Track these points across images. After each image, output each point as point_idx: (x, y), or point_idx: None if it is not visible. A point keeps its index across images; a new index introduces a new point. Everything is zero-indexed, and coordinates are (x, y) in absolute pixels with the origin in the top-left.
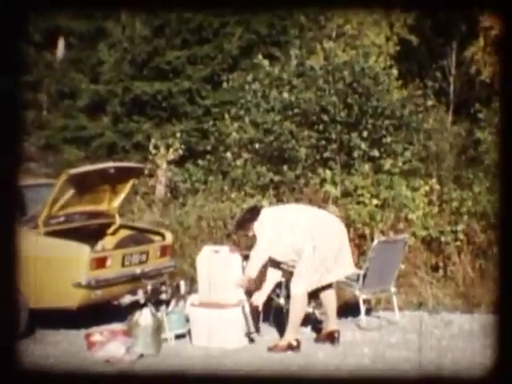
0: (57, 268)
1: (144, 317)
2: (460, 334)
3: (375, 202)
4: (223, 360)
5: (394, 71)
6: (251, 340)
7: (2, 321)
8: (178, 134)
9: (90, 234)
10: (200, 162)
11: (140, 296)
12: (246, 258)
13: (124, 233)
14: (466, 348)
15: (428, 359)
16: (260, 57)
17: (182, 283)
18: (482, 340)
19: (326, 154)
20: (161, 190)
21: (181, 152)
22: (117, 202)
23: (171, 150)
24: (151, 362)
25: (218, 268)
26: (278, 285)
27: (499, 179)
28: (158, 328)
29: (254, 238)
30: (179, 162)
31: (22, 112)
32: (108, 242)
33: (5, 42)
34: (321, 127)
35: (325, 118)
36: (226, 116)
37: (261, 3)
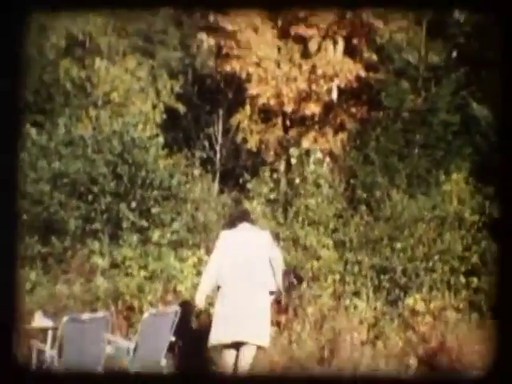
0: None
1: None
2: None
3: (143, 273)
4: None
5: (161, 140)
6: None
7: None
8: None
9: None
10: None
11: None
12: None
13: None
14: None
15: None
16: (27, 125)
17: None
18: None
19: (95, 225)
20: None
21: None
22: None
23: None
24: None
25: None
26: None
27: None
28: None
29: None
30: None
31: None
32: None
33: (5, 42)
34: (90, 198)
35: (94, 188)
36: None
37: None
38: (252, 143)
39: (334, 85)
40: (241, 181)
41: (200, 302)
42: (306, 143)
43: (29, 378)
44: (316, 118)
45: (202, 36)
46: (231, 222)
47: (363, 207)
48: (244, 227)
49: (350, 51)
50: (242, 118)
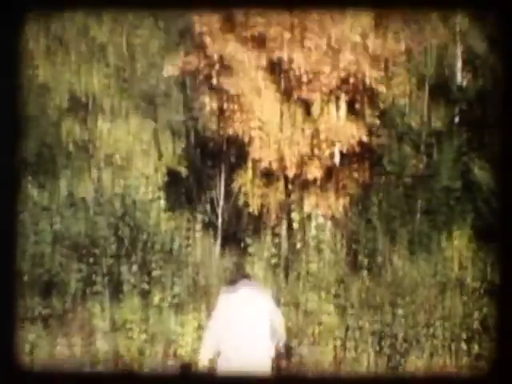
0: None
1: None
2: None
3: (144, 336)
4: None
5: (163, 202)
6: None
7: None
8: None
9: None
10: None
11: None
12: None
13: None
14: None
15: None
16: (29, 186)
17: None
18: None
19: (96, 287)
20: None
21: None
22: None
23: None
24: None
25: None
26: None
27: None
28: None
29: None
30: None
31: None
32: None
33: (5, 42)
34: (91, 260)
35: (95, 250)
36: None
37: None
38: (254, 207)
39: (337, 149)
40: (242, 245)
41: (203, 367)
42: (307, 207)
43: (29, 379)
44: (318, 183)
45: (205, 98)
46: (232, 285)
47: (365, 272)
48: (244, 288)
49: (353, 115)
50: (244, 181)
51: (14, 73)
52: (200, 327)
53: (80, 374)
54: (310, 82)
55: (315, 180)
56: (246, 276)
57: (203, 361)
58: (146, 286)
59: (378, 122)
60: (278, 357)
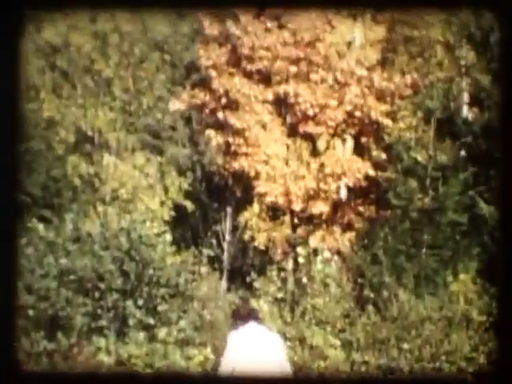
0: None
1: None
2: None
3: (149, 371)
4: None
5: (168, 237)
6: None
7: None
8: None
9: None
10: None
11: None
12: None
13: None
14: None
15: None
16: (34, 220)
17: None
18: None
19: (102, 322)
20: None
21: None
22: None
23: None
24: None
25: None
26: None
27: None
28: None
29: None
30: None
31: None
32: None
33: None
34: (97, 295)
35: (101, 285)
36: None
37: None
38: (260, 241)
39: (343, 183)
40: (248, 279)
41: None
42: (313, 242)
43: (29, 379)
44: (324, 217)
45: (211, 133)
46: (238, 321)
47: (370, 307)
48: (252, 328)
49: (359, 150)
50: (250, 215)
51: (13, 73)
52: (206, 362)
53: (80, 374)
54: (315, 116)
55: (321, 214)
56: (253, 312)
57: None
58: (151, 321)
59: (383, 156)
60: None
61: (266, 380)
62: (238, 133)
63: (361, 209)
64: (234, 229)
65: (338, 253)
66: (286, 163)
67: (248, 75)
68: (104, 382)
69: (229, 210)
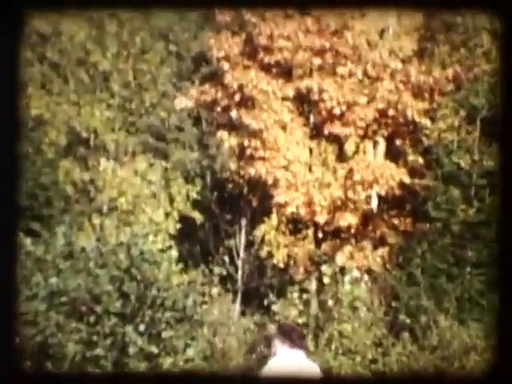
0: None
1: None
2: None
3: None
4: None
5: (174, 253)
6: None
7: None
8: None
9: None
10: None
11: None
12: None
13: None
14: None
15: None
16: (20, 234)
17: None
18: None
19: (97, 351)
20: None
21: None
22: None
23: None
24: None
25: None
26: None
27: None
28: None
29: None
30: None
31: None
32: None
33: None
34: (92, 319)
35: (97, 308)
36: None
37: None
38: (279, 258)
39: (374, 192)
40: (265, 302)
41: None
42: (340, 259)
43: (29, 379)
44: (352, 231)
45: (223, 134)
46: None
47: (406, 334)
48: (294, 355)
49: (393, 153)
50: (268, 229)
51: (13, 73)
52: None
53: (80, 374)
54: (342, 115)
55: (349, 227)
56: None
57: None
58: (154, 349)
59: (421, 160)
60: None
61: None
62: (255, 134)
63: (395, 221)
64: (250, 244)
65: (369, 272)
66: (309, 169)
67: (265, 68)
68: (104, 382)
69: (243, 222)
